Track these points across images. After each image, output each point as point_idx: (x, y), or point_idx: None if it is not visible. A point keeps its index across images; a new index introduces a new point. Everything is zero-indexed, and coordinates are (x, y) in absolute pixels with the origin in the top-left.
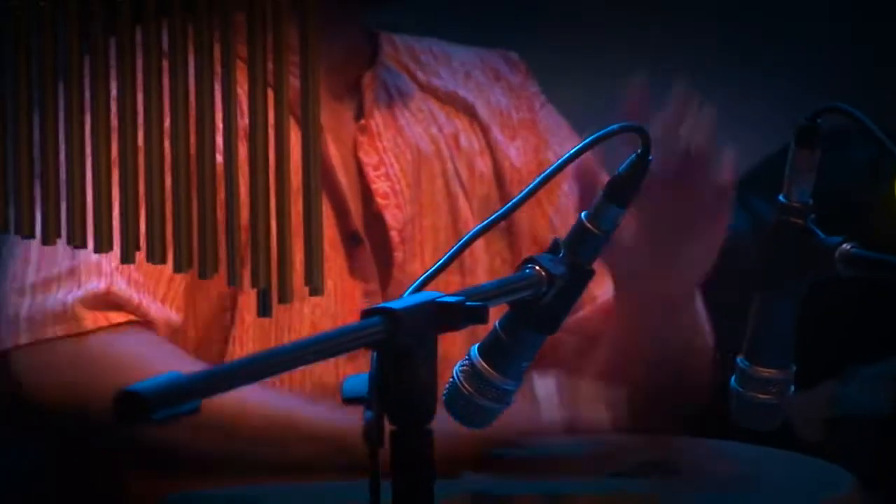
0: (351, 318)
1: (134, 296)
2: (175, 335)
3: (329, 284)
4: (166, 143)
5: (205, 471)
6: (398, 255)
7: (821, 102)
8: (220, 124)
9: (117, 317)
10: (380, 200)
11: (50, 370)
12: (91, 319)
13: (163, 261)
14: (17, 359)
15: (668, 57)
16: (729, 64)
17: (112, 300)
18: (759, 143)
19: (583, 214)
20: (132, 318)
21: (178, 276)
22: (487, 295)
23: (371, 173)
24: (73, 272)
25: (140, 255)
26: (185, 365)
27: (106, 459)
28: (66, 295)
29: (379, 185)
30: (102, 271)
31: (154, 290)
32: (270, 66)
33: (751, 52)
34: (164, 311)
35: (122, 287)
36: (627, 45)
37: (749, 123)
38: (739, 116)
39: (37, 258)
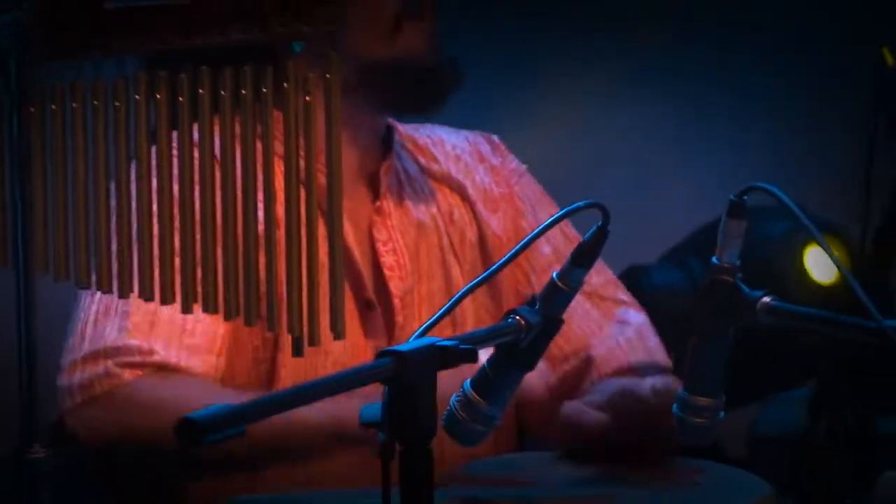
0: None
1: (172, 355)
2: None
3: (346, 344)
4: (218, 218)
5: (211, 470)
6: (399, 318)
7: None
8: (261, 198)
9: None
10: (387, 272)
11: (100, 419)
12: (128, 374)
13: (216, 311)
14: (72, 419)
15: (666, 55)
16: (727, 63)
17: (148, 364)
18: (758, 139)
19: (554, 274)
20: (167, 369)
21: (217, 352)
22: (477, 340)
23: (381, 248)
24: (117, 349)
25: (197, 307)
26: (217, 395)
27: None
28: (110, 363)
29: (386, 259)
30: (141, 351)
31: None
32: (302, 163)
33: (749, 50)
34: (201, 363)
35: (161, 353)
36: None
37: (749, 124)
38: (740, 116)
39: (91, 333)
